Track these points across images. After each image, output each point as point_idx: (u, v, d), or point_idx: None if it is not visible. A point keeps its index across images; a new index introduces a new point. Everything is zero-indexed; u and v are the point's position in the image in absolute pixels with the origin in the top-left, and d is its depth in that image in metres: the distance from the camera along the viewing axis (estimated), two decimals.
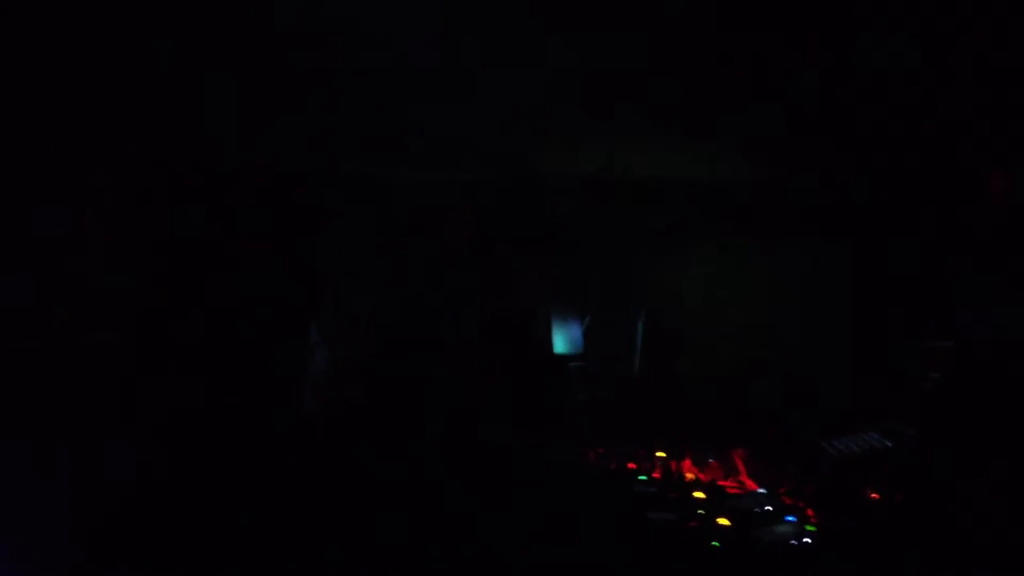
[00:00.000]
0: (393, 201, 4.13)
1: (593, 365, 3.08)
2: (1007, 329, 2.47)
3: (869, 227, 3.05)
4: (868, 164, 2.93)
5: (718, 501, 2.36)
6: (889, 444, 2.44)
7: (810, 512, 2.35)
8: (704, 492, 2.41)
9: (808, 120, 2.78)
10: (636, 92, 2.75)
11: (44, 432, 3.14)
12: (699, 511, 2.28)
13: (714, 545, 2.11)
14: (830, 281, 3.06)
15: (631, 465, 2.62)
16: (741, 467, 2.62)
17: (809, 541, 2.14)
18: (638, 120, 3.19)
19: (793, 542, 2.13)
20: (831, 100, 2.66)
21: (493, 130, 3.64)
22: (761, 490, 2.47)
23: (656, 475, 2.55)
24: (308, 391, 3.83)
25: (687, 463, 2.64)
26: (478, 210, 3.68)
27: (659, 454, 2.68)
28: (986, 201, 2.90)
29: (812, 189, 3.19)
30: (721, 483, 2.58)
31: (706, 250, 3.31)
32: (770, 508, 2.31)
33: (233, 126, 3.63)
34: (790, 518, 2.24)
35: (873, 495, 2.41)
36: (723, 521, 2.22)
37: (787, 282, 3.14)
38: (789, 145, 3.10)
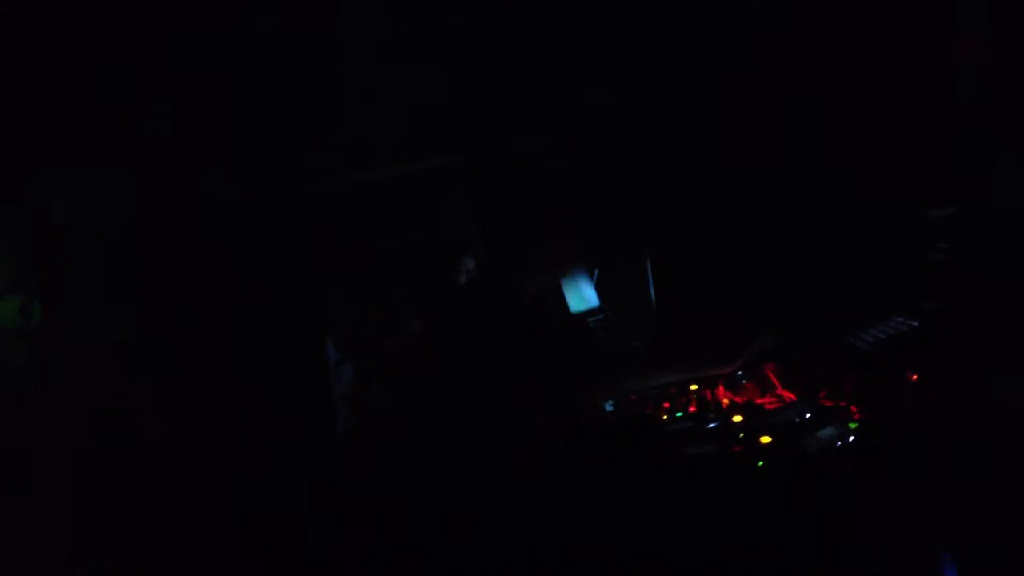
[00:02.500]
0: (379, 200, 4.12)
1: (611, 316, 3.06)
2: (1006, 192, 2.42)
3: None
4: None
5: (758, 420, 2.33)
6: (915, 324, 2.40)
7: (854, 408, 2.32)
8: (742, 414, 2.38)
9: None
10: None
11: None
12: (740, 435, 2.26)
13: (759, 465, 2.09)
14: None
15: (666, 404, 2.60)
16: (775, 380, 2.59)
17: (853, 439, 2.12)
18: None
19: (839, 444, 2.11)
20: None
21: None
22: (796, 399, 2.45)
23: (692, 409, 2.53)
24: (342, 411, 3.84)
25: (720, 389, 2.61)
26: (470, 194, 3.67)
27: (692, 387, 2.65)
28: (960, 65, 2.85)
29: None
30: (759, 401, 2.55)
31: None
32: (810, 415, 2.29)
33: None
34: (830, 421, 2.22)
35: (913, 376, 2.37)
36: (765, 439, 2.20)
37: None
38: None
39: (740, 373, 2.60)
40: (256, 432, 3.63)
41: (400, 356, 3.94)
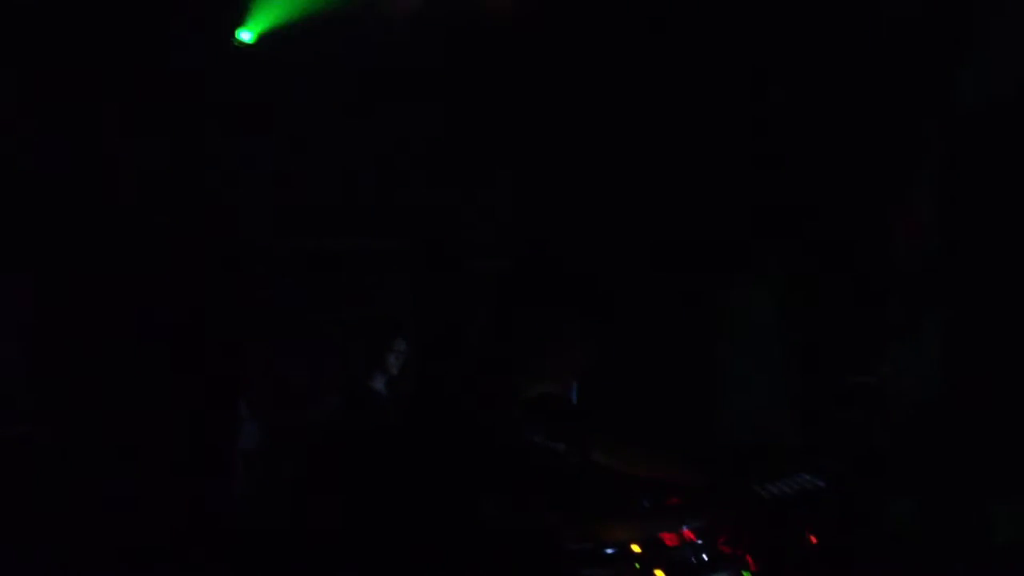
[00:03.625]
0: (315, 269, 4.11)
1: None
2: (926, 364, 2.50)
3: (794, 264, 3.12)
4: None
5: (656, 553, 2.31)
6: (821, 484, 2.43)
7: (749, 559, 2.32)
8: (641, 546, 2.36)
9: None
10: None
11: None
12: (636, 564, 2.23)
13: None
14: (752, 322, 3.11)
15: None
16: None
17: None
18: None
19: None
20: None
21: None
22: (699, 540, 2.44)
23: None
24: (240, 468, 3.73)
25: None
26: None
27: None
28: (900, 243, 2.97)
29: None
30: (661, 535, 2.53)
31: None
32: (707, 557, 2.27)
33: None
34: (726, 566, 2.21)
35: (812, 538, 2.39)
36: (659, 574, 2.17)
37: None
38: None
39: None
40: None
41: (317, 427, 3.87)
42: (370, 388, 3.93)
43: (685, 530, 2.49)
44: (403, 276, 4.11)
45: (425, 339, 3.86)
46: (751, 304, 3.11)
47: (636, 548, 2.33)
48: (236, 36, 3.74)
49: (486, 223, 3.86)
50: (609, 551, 2.29)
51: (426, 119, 3.61)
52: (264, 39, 3.76)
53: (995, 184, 2.61)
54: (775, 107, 3.18)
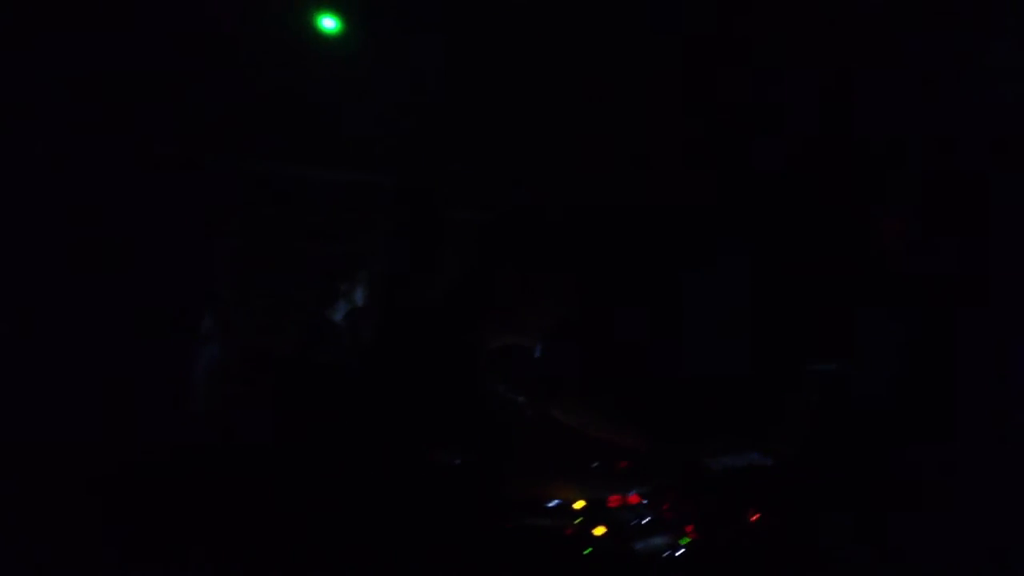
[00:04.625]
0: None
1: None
2: (887, 355, 2.54)
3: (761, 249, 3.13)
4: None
5: (598, 511, 2.34)
6: (768, 462, 2.47)
7: (688, 528, 2.35)
8: (584, 501, 2.38)
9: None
10: None
11: None
12: (577, 520, 2.26)
13: (586, 552, 2.09)
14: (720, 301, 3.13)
15: None
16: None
17: (680, 552, 2.14)
18: None
19: (666, 554, 2.13)
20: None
21: None
22: (642, 503, 2.47)
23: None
24: (198, 388, 3.72)
25: None
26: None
27: None
28: (877, 240, 2.99)
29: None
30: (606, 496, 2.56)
31: None
32: (648, 520, 2.30)
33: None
34: (665, 531, 2.24)
35: (753, 516, 2.43)
36: (599, 530, 2.20)
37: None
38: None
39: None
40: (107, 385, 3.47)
41: (273, 352, 3.86)
42: (333, 322, 3.92)
43: (632, 494, 2.52)
44: (379, 214, 4.08)
45: (394, 278, 3.85)
46: (719, 281, 3.12)
47: (579, 504, 2.35)
48: None
49: (470, 171, 3.83)
50: (552, 503, 2.31)
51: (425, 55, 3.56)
52: None
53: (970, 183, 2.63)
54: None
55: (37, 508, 2.87)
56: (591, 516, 2.29)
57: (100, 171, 3.74)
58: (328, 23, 3.47)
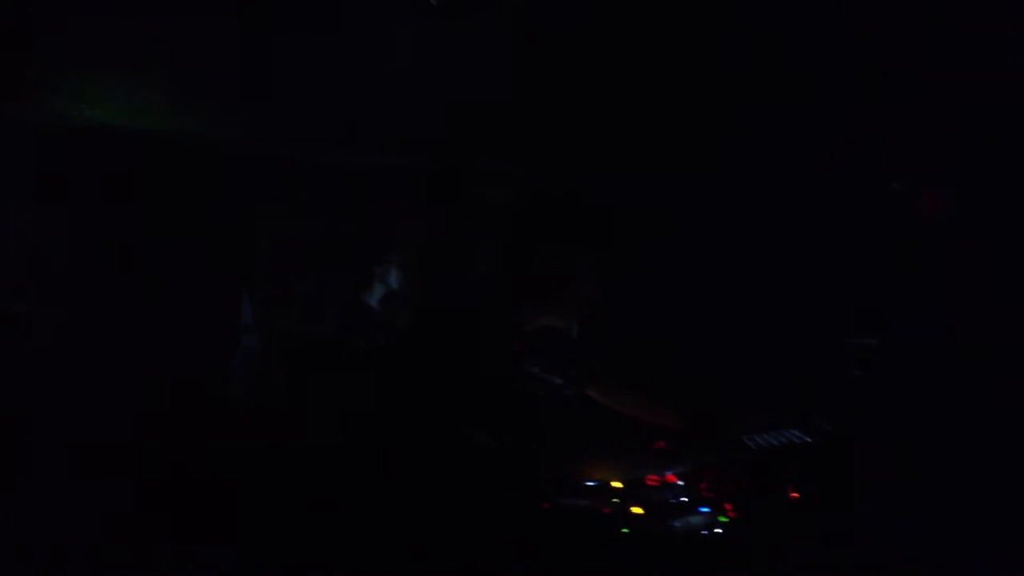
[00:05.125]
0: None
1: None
2: (929, 331, 2.50)
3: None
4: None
5: (636, 490, 2.33)
6: (808, 440, 2.44)
7: (728, 506, 2.34)
8: (622, 482, 2.38)
9: None
10: None
11: None
12: (614, 499, 2.26)
13: (623, 531, 2.09)
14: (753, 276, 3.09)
15: None
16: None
17: (720, 531, 2.13)
18: None
19: (704, 532, 2.12)
20: None
21: None
22: (680, 483, 2.46)
23: None
24: (238, 375, 3.76)
25: None
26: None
27: None
28: (917, 216, 2.94)
29: None
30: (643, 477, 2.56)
31: None
32: (686, 499, 2.30)
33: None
34: (704, 509, 2.23)
35: (793, 494, 2.41)
36: (637, 509, 2.20)
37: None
38: None
39: None
40: (148, 368, 3.52)
41: (311, 339, 3.90)
42: (370, 306, 3.94)
43: (669, 474, 2.51)
44: (412, 197, 4.09)
45: (430, 263, 3.86)
46: (756, 257, 3.09)
47: (617, 484, 2.35)
48: None
49: (503, 152, 3.82)
50: (590, 484, 2.31)
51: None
52: None
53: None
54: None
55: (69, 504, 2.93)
56: (629, 496, 2.29)
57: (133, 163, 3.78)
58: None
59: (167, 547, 2.64)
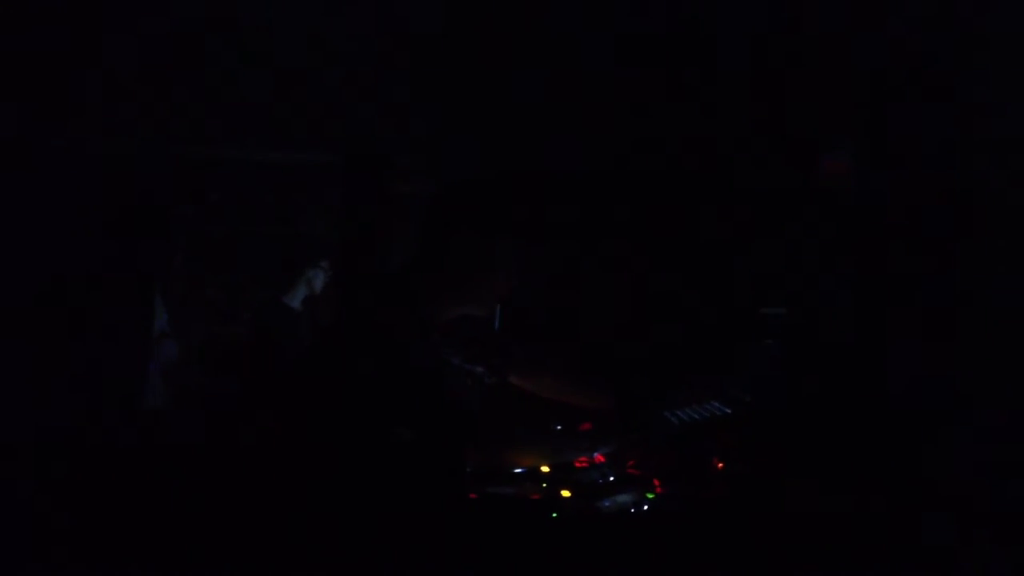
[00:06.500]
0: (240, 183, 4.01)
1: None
2: (837, 297, 2.57)
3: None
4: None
5: (563, 473, 2.36)
6: (728, 411, 2.50)
7: (656, 482, 2.38)
8: (549, 466, 2.40)
9: None
10: None
11: None
12: (543, 484, 2.27)
13: (553, 516, 2.10)
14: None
15: None
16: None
17: (647, 507, 2.17)
18: None
19: (632, 510, 2.16)
20: None
21: None
22: (606, 462, 2.49)
23: None
24: (153, 384, 3.67)
25: None
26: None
27: None
28: (819, 181, 3.00)
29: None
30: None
31: None
32: (613, 478, 2.33)
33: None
34: (631, 487, 2.27)
35: (719, 464, 2.46)
36: (565, 492, 2.22)
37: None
38: None
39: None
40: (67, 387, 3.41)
41: (230, 342, 3.82)
42: (289, 307, 3.89)
43: (597, 455, 2.54)
44: (327, 193, 4.03)
45: (345, 258, 3.82)
46: (669, 236, 3.13)
47: (544, 469, 2.37)
48: None
49: (415, 143, 3.78)
50: (518, 470, 2.33)
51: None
52: None
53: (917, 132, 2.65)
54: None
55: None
56: (557, 479, 2.31)
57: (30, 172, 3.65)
58: None
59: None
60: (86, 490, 2.94)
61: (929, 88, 2.49)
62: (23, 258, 3.57)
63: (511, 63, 3.48)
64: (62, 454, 3.10)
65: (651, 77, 3.21)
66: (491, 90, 3.52)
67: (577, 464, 2.48)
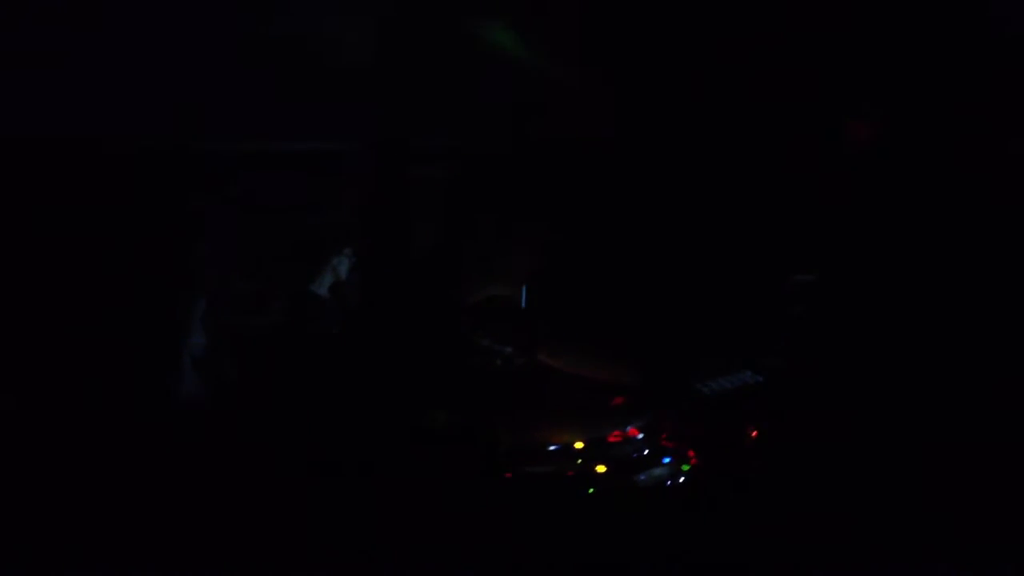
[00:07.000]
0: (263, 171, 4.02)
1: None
2: (864, 265, 2.54)
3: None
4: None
5: (598, 449, 2.36)
6: (760, 379, 2.48)
7: (691, 453, 2.37)
8: (584, 442, 2.40)
9: None
10: None
11: None
12: (578, 460, 2.28)
13: (590, 491, 2.11)
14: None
15: None
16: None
17: (683, 479, 2.17)
18: None
19: (668, 483, 2.16)
20: None
21: None
22: (640, 436, 2.49)
23: None
24: (187, 373, 3.70)
25: None
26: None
27: None
28: (847, 147, 2.96)
29: None
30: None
31: None
32: (648, 452, 2.32)
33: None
34: (666, 460, 2.26)
35: (753, 432, 2.45)
36: (601, 468, 2.22)
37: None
38: None
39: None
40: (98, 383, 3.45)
41: (260, 333, 3.84)
42: (318, 295, 3.90)
43: (630, 428, 2.53)
44: (350, 181, 4.03)
45: (372, 245, 3.82)
46: (695, 207, 3.09)
47: (579, 445, 2.37)
48: None
49: (435, 127, 3.77)
50: (552, 447, 2.33)
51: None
52: None
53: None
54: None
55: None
56: (592, 455, 2.31)
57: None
58: None
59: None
60: (122, 483, 2.97)
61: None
62: (55, 254, 3.61)
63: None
64: (97, 447, 3.14)
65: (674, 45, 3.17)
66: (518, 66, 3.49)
67: (611, 439, 2.48)
